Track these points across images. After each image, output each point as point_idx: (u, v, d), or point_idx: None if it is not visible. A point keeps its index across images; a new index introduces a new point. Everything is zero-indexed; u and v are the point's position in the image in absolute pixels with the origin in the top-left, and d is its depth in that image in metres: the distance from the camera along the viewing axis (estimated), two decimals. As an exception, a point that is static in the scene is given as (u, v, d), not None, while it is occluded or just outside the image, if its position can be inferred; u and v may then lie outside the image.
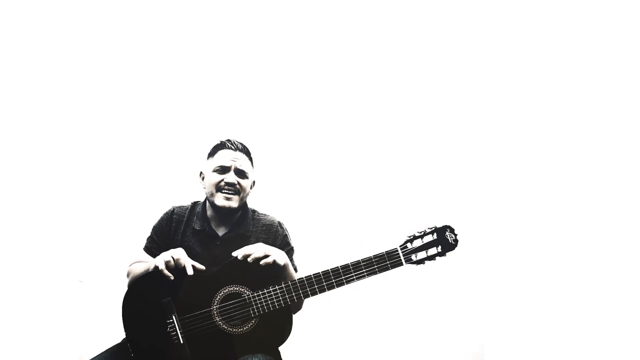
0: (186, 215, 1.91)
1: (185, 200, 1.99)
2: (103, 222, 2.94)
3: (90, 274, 2.89)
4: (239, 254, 1.68)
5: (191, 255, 1.78)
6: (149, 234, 1.95)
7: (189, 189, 2.03)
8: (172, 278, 1.66)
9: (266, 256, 1.67)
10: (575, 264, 2.69)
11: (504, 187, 2.90)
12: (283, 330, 1.64)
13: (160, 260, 1.67)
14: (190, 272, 1.66)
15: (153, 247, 1.90)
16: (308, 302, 1.88)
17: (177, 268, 1.66)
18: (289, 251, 1.92)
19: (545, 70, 2.88)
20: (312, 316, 2.65)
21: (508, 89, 2.95)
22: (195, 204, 1.96)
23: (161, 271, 1.65)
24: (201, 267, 1.70)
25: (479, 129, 2.99)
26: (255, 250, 1.68)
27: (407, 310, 2.87)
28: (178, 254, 1.69)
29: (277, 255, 1.70)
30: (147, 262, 1.80)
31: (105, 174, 2.99)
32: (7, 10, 2.88)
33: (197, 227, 1.86)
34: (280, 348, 1.78)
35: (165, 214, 1.93)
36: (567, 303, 2.66)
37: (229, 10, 3.08)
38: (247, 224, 1.89)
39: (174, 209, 1.94)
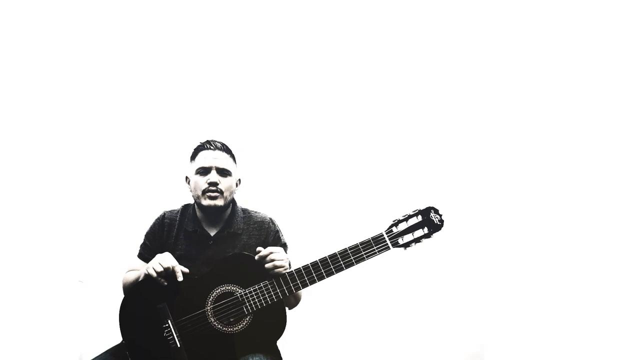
0: (178, 219, 1.91)
1: (178, 203, 1.98)
2: (103, 222, 2.93)
3: (90, 274, 2.90)
4: (262, 251, 1.68)
5: (187, 257, 1.80)
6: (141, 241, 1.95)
7: (184, 192, 2.01)
8: (165, 283, 1.68)
9: (282, 267, 1.68)
10: (576, 262, 2.59)
11: (505, 185, 2.82)
12: (278, 326, 1.67)
13: (150, 268, 1.69)
14: (180, 277, 1.68)
15: (146, 252, 1.91)
16: (305, 301, 1.91)
17: (167, 273, 1.68)
18: (282, 247, 1.92)
19: (522, 55, 2.78)
20: (310, 315, 2.70)
21: (490, 75, 2.84)
22: (186, 206, 1.95)
23: (154, 278, 1.67)
24: (185, 270, 1.71)
25: (463, 116, 2.91)
26: (281, 259, 1.69)
27: (406, 309, 2.86)
28: (165, 259, 1.70)
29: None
30: (138, 271, 1.82)
31: (105, 174, 2.96)
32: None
33: (189, 228, 1.87)
34: (280, 347, 1.80)
35: (156, 219, 1.94)
36: (568, 302, 2.59)
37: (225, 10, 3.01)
38: (237, 222, 1.89)
39: (164, 213, 1.94)
